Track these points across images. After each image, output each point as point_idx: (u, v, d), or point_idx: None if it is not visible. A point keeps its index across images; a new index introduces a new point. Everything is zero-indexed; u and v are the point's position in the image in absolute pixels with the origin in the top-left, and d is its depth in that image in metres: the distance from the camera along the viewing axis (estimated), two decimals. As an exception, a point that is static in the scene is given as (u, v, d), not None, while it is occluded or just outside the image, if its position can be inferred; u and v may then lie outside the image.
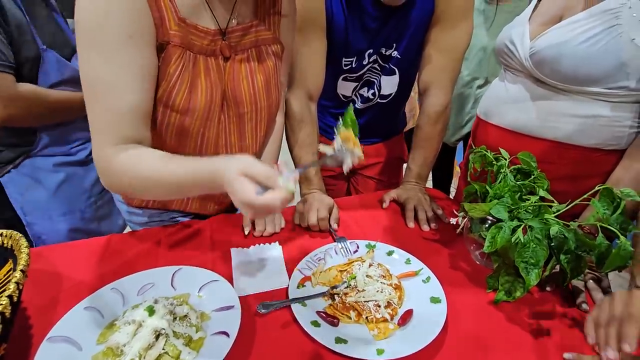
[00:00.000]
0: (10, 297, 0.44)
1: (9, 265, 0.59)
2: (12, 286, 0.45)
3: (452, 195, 2.27)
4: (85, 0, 0.52)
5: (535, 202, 0.66)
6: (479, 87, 1.57)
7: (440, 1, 0.87)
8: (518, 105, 0.83)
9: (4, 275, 0.58)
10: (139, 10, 0.54)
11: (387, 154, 1.26)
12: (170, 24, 0.58)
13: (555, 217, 0.63)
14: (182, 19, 0.59)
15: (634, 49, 0.66)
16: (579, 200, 0.62)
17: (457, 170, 2.35)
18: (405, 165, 1.33)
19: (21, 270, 0.48)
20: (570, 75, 0.72)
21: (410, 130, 1.50)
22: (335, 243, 0.79)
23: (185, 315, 0.57)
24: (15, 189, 0.98)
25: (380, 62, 0.98)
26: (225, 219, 0.88)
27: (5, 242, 0.59)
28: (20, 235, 0.57)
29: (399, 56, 0.96)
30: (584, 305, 0.65)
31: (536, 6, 0.85)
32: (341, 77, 1.02)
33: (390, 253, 0.76)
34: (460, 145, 1.85)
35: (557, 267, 0.63)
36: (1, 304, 0.43)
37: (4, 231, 0.60)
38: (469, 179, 0.79)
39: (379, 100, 1.06)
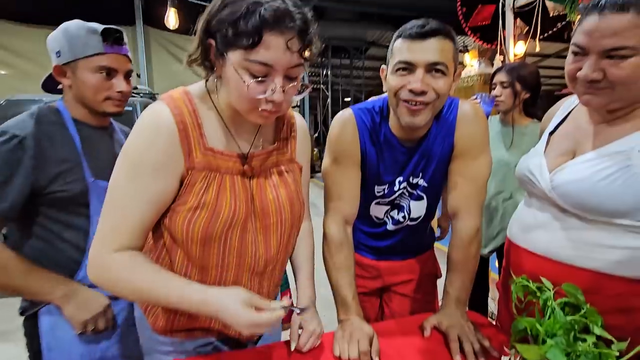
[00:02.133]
0: None
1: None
2: None
3: (489, 306, 2.12)
4: (135, 135, 0.67)
5: (593, 343, 0.63)
6: (505, 200, 1.63)
7: (458, 139, 0.99)
8: (549, 234, 0.85)
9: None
10: (172, 150, 0.68)
11: (420, 270, 1.26)
12: (197, 154, 0.70)
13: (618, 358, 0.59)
14: (209, 148, 0.71)
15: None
16: (641, 345, 0.59)
17: (492, 276, 2.26)
18: (438, 280, 1.31)
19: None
20: (596, 209, 0.75)
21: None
22: (380, 381, 0.75)
23: None
24: (47, 322, 0.97)
25: (409, 188, 1.07)
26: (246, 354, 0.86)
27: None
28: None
29: (425, 184, 1.05)
30: None
31: (548, 140, 0.92)
32: (374, 202, 1.10)
33: (440, 396, 0.70)
34: (494, 255, 1.82)
35: None
36: None
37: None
38: (514, 310, 0.77)
39: (409, 222, 1.12)
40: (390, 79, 0.91)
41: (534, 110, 1.66)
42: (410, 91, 0.86)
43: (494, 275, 2.27)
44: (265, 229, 0.78)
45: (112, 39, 0.99)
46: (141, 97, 4.69)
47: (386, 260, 1.23)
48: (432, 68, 0.85)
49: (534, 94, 1.63)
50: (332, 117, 11.40)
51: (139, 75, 7.03)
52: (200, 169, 0.70)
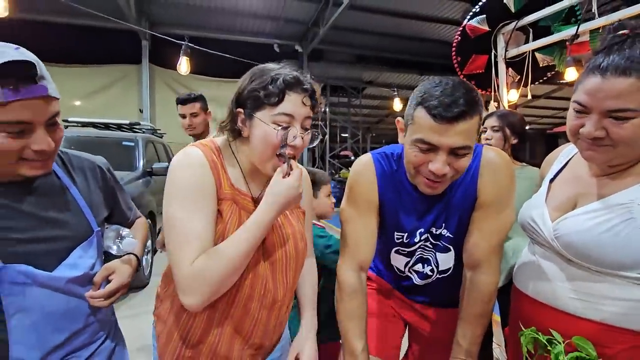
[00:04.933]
0: None
1: None
2: None
3: (495, 352, 2.05)
4: (174, 174, 0.78)
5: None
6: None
7: (482, 189, 0.94)
8: (555, 284, 0.84)
9: None
10: (209, 181, 0.79)
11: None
12: (225, 187, 0.82)
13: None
14: (232, 185, 0.83)
15: (657, 240, 0.70)
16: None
17: (495, 318, 2.20)
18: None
19: None
20: (600, 260, 0.75)
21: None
22: None
23: None
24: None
25: (432, 240, 1.02)
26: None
27: None
28: None
29: (450, 235, 1.00)
30: None
31: (549, 188, 0.92)
32: (393, 250, 1.07)
33: None
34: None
35: None
36: None
37: None
38: (524, 364, 0.75)
39: (438, 275, 1.06)
40: (410, 153, 0.86)
41: (523, 155, 1.76)
42: (431, 171, 0.84)
43: (496, 318, 2.22)
44: (271, 264, 0.85)
45: (15, 79, 0.65)
46: (143, 132, 4.78)
47: (421, 304, 1.14)
48: (456, 152, 0.82)
49: (520, 140, 1.74)
50: (330, 152, 11.67)
51: (141, 111, 7.20)
52: (229, 199, 0.82)
